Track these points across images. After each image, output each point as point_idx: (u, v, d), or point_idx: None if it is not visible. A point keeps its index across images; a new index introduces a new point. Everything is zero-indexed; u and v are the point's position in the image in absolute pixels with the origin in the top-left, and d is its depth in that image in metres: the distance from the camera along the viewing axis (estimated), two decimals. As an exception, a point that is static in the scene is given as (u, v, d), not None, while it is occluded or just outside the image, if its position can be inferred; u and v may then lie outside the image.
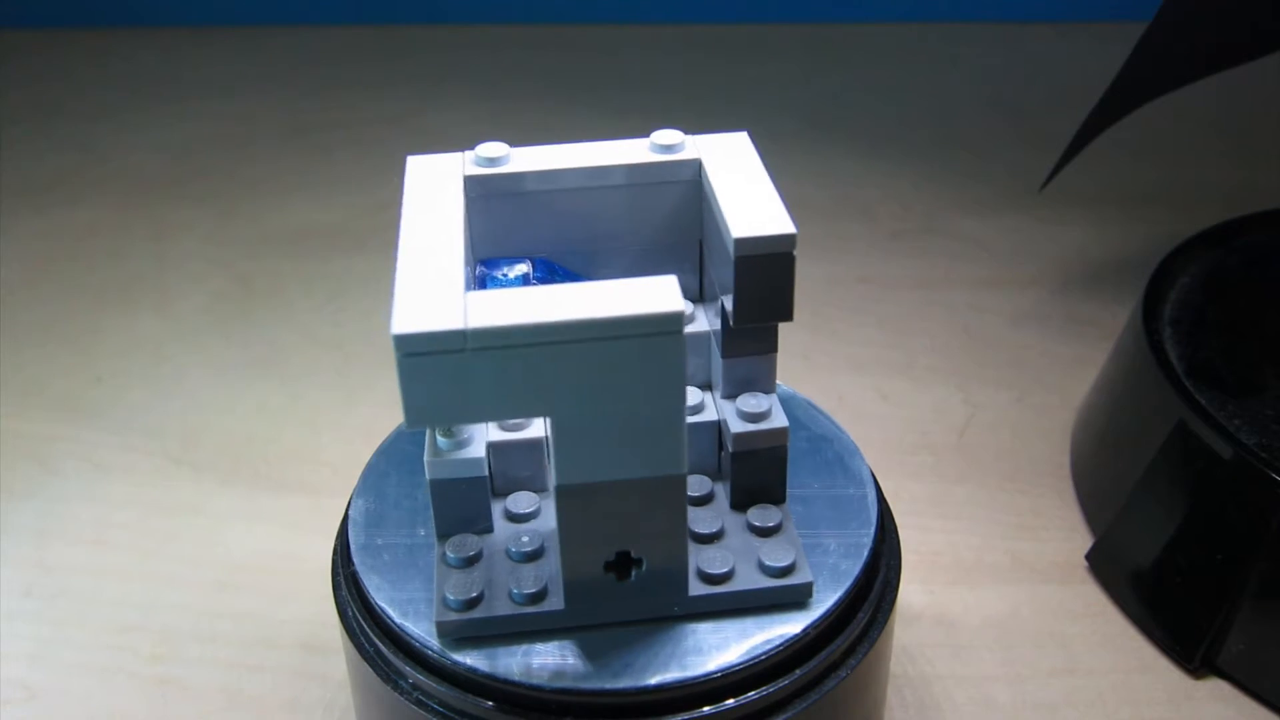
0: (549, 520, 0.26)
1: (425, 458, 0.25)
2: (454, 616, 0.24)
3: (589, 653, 0.24)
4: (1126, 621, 0.35)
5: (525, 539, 0.25)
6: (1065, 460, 0.41)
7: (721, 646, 0.24)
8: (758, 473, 0.26)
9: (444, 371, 0.21)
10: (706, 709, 0.24)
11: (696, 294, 0.28)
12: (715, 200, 0.25)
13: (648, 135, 0.27)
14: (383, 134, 0.67)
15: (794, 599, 0.25)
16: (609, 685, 0.23)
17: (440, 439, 0.25)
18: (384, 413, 0.44)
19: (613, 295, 0.21)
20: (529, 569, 0.25)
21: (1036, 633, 0.35)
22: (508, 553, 0.25)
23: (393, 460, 0.29)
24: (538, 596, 0.24)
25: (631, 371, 0.21)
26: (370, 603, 0.26)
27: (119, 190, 0.62)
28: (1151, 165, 0.61)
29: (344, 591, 0.27)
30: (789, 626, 0.24)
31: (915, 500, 0.40)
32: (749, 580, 0.25)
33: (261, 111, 0.71)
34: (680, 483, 0.23)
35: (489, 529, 0.26)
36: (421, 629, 0.25)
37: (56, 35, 0.83)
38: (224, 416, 0.45)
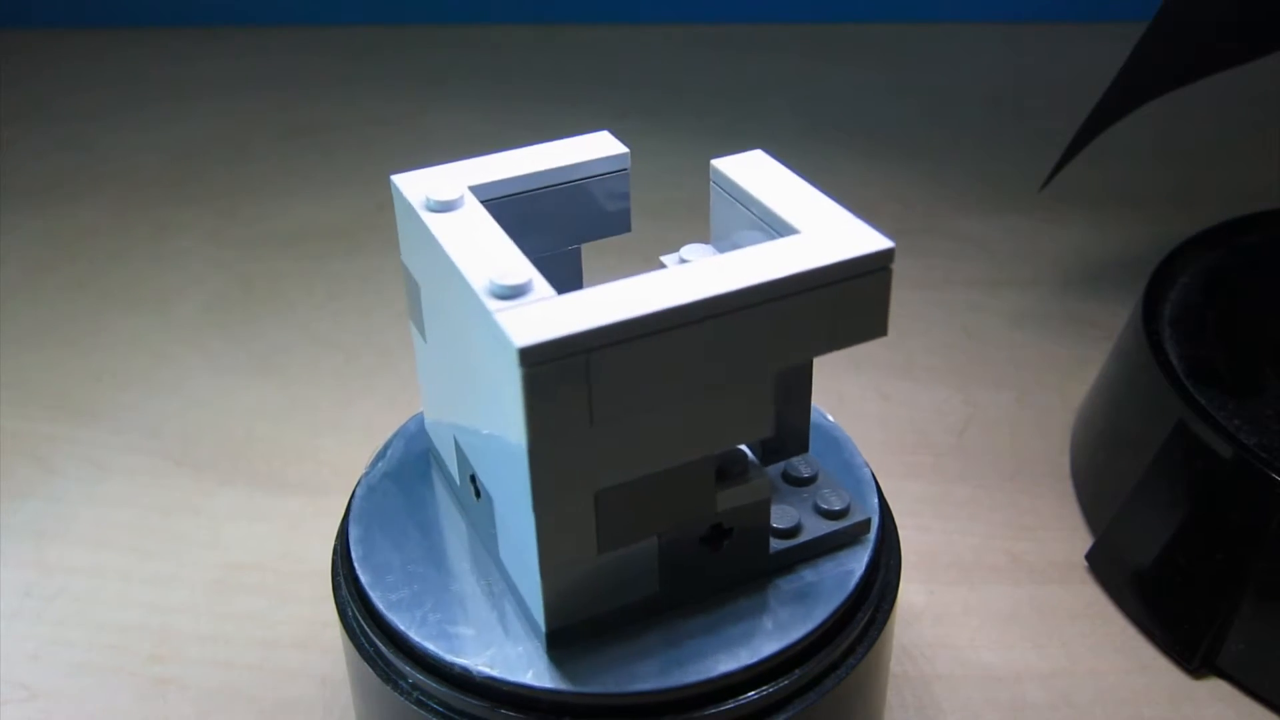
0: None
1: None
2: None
3: (588, 654, 0.24)
4: (1126, 621, 0.35)
5: (803, 466, 0.27)
6: (1065, 460, 0.41)
7: (721, 647, 0.24)
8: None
9: None
10: (707, 709, 0.24)
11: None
12: None
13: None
14: (383, 134, 0.67)
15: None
16: (608, 686, 0.23)
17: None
18: (384, 413, 0.44)
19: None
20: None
21: (1036, 633, 0.35)
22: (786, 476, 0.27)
23: (393, 460, 0.29)
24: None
25: None
26: (370, 603, 0.26)
27: (119, 190, 0.62)
28: (1151, 165, 0.61)
29: (344, 591, 0.27)
30: (789, 627, 0.25)
31: (915, 500, 0.40)
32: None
33: (261, 111, 0.71)
34: None
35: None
36: (421, 629, 0.25)
37: (56, 35, 0.83)
38: (224, 416, 0.45)
